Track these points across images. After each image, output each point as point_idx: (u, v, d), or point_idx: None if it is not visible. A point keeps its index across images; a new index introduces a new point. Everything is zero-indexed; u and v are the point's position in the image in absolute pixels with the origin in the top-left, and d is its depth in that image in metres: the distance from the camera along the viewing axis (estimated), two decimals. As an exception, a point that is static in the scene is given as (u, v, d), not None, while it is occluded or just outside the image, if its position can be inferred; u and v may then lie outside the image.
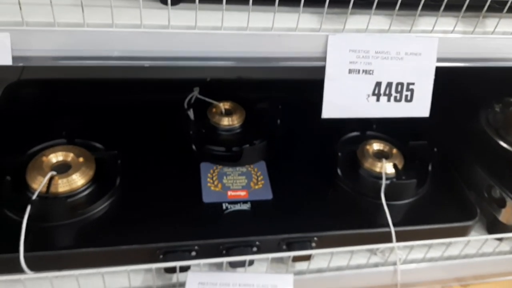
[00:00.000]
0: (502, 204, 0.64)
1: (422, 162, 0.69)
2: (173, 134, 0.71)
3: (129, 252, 0.55)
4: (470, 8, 0.47)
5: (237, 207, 0.61)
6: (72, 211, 0.57)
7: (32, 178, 0.58)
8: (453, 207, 0.65)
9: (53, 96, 0.78)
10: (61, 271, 0.50)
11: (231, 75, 0.86)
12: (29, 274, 0.50)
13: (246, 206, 0.62)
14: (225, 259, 0.54)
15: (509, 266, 0.66)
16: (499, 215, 0.65)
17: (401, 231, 0.60)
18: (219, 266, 0.58)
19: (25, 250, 0.50)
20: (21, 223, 0.51)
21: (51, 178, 0.57)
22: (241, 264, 0.55)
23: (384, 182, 0.63)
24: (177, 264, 0.52)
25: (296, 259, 0.58)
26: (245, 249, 0.57)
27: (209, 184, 0.64)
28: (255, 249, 0.57)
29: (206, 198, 0.62)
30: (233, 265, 0.56)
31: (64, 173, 0.59)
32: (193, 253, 0.56)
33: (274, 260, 0.60)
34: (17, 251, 0.50)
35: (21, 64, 0.42)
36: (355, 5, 0.46)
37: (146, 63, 0.45)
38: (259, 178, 0.66)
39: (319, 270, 0.60)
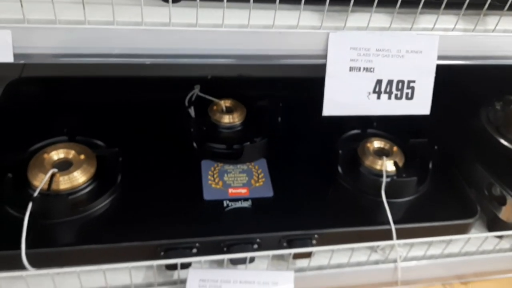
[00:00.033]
0: (502, 201, 0.64)
1: (423, 160, 0.69)
2: (174, 132, 0.71)
3: (130, 249, 0.55)
4: (471, 6, 0.48)
5: (238, 204, 0.61)
6: (73, 208, 0.57)
7: (34, 176, 0.58)
8: (454, 204, 0.65)
9: (54, 93, 0.79)
10: (62, 268, 0.50)
11: (232, 73, 0.86)
12: (31, 271, 0.50)
13: (247, 204, 0.62)
14: (226, 256, 0.54)
15: (509, 263, 0.66)
16: (499, 212, 0.65)
17: (401, 229, 0.60)
18: (220, 263, 0.59)
19: (27, 247, 0.50)
20: (22, 220, 0.51)
21: (52, 175, 0.57)
22: (242, 261, 0.55)
23: (384, 179, 0.63)
24: (178, 261, 0.52)
25: (296, 256, 0.58)
26: (246, 246, 0.57)
27: (210, 182, 0.64)
28: (256, 246, 0.57)
29: (207, 196, 0.62)
30: (234, 262, 0.56)
31: (65, 171, 0.59)
32: (194, 250, 0.56)
33: (275, 257, 0.60)
34: (19, 248, 0.50)
35: (22, 61, 0.42)
36: (356, 3, 0.46)
37: (147, 61, 0.45)
38: (260, 176, 0.66)
39: (320, 267, 0.60)
